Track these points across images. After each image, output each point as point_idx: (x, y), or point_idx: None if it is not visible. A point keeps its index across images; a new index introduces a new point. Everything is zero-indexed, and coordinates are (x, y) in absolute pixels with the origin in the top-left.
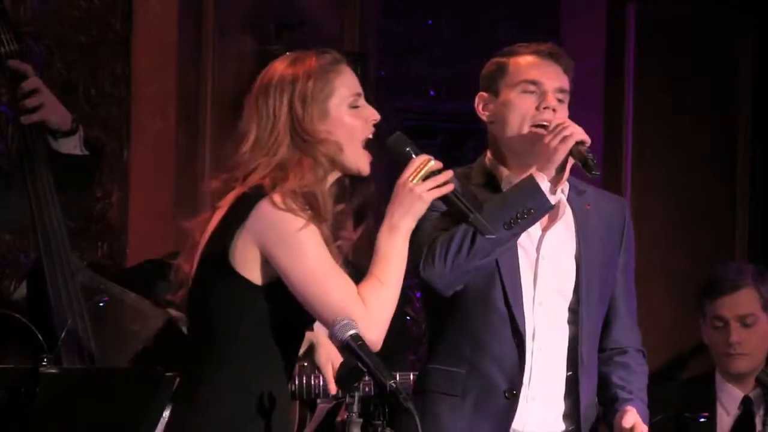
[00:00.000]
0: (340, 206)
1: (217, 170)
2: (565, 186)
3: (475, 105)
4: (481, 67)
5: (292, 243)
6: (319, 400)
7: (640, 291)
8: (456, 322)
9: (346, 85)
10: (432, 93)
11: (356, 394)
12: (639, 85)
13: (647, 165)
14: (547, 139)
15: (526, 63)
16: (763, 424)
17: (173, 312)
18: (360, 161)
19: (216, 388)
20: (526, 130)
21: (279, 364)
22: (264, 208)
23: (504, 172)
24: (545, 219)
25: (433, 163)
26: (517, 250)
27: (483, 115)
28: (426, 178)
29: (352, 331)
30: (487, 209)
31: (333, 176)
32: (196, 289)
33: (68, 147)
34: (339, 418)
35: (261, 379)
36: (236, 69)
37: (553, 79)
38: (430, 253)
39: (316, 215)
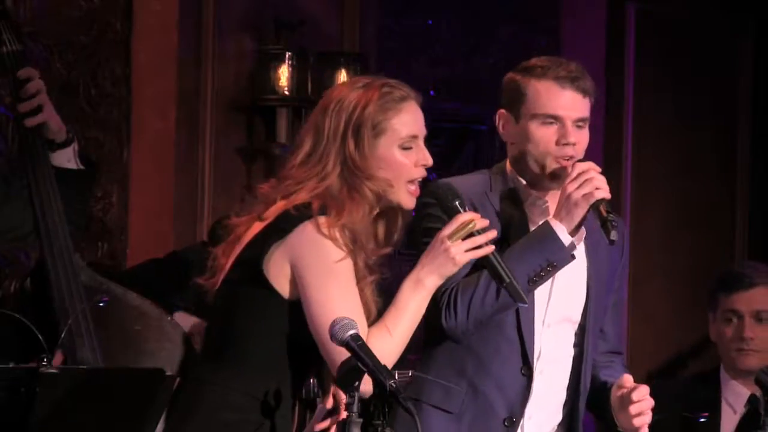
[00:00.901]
0: (387, 249)
1: (217, 170)
2: None
3: (496, 120)
4: (481, 67)
5: (324, 270)
6: (318, 400)
7: (640, 291)
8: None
9: (403, 123)
10: (432, 93)
11: (356, 394)
12: (639, 85)
13: (647, 165)
14: (569, 188)
15: (545, 92)
16: (763, 425)
17: (177, 314)
18: (404, 198)
19: (225, 392)
20: (546, 163)
21: (289, 379)
22: (308, 229)
23: (526, 188)
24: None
25: (478, 223)
26: None
27: (503, 134)
28: (466, 237)
29: (352, 331)
30: (508, 259)
31: (377, 209)
32: (224, 287)
33: (61, 160)
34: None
35: (269, 390)
36: (236, 69)
37: (573, 109)
38: (452, 305)
39: (356, 251)
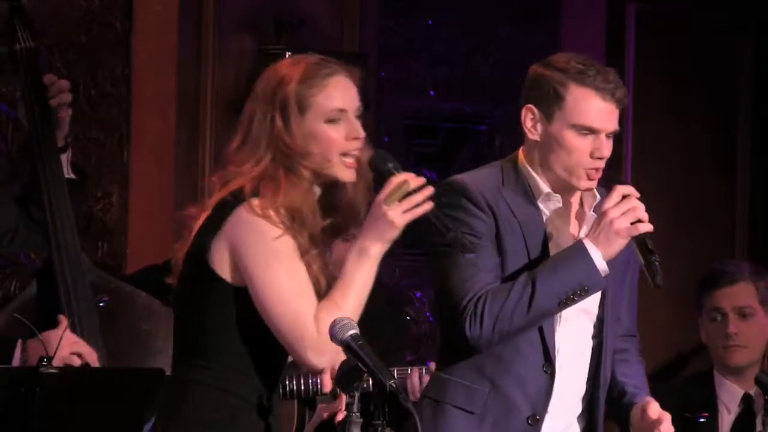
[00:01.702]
0: (329, 220)
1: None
2: (596, 199)
3: (522, 115)
4: (481, 67)
5: (263, 251)
6: (318, 399)
7: (639, 290)
8: None
9: (328, 97)
10: (432, 93)
11: (356, 394)
12: (639, 85)
13: (647, 165)
14: (611, 214)
15: (586, 103)
16: (763, 425)
17: None
18: (340, 172)
19: (200, 389)
20: (576, 173)
21: (261, 369)
22: (241, 213)
23: (540, 183)
24: (576, 232)
25: (412, 183)
26: None
27: (529, 131)
28: (403, 198)
29: (352, 331)
30: (539, 278)
31: (319, 186)
32: (180, 285)
33: None
34: (338, 418)
35: (242, 382)
36: (236, 69)
37: (610, 123)
38: (479, 315)
39: (296, 227)
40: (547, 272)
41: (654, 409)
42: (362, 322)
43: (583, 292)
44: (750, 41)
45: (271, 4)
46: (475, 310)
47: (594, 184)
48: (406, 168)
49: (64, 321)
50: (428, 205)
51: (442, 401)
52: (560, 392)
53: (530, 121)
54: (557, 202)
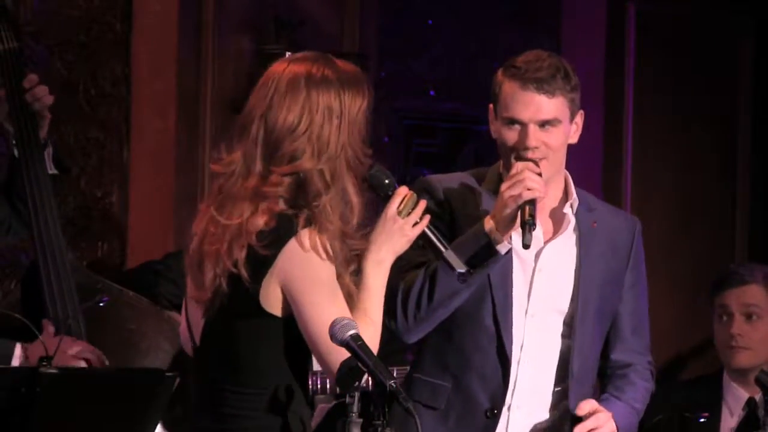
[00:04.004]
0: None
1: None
2: (574, 201)
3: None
4: (481, 67)
5: (309, 284)
6: (318, 399)
7: None
8: (442, 334)
9: None
10: (432, 93)
11: (356, 394)
12: (639, 85)
13: (647, 165)
14: (502, 188)
15: (510, 94)
16: (764, 425)
17: (173, 314)
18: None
19: (256, 416)
20: (511, 163)
21: (298, 386)
22: (294, 248)
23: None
24: (549, 231)
25: (415, 196)
26: (511, 265)
27: (492, 129)
28: (411, 211)
29: (352, 331)
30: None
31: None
32: (221, 316)
33: None
34: None
35: (291, 400)
36: (236, 69)
37: (534, 113)
38: (392, 306)
39: (339, 252)
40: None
41: (583, 407)
42: None
43: (481, 267)
44: (750, 41)
45: (271, 4)
46: (389, 303)
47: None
48: (407, 168)
49: (48, 326)
50: (427, 219)
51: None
52: (528, 387)
53: (490, 120)
54: None
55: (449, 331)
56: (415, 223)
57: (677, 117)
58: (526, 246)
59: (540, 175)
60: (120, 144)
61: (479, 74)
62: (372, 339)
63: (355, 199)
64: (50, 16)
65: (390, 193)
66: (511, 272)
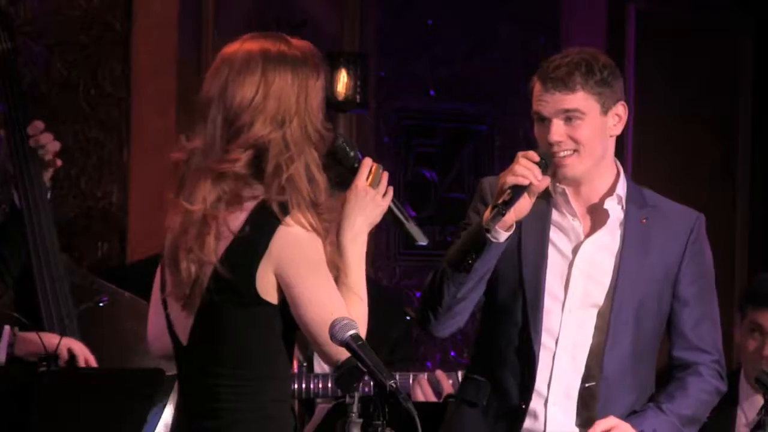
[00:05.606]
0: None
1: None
2: (620, 196)
3: None
4: (481, 67)
5: (304, 265)
6: (318, 400)
7: None
8: (484, 332)
9: None
10: (432, 93)
11: (356, 394)
12: (639, 85)
13: (647, 165)
14: (500, 176)
15: (535, 93)
16: (764, 425)
17: None
18: None
19: (260, 407)
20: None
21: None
22: (286, 234)
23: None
24: (589, 226)
25: (380, 167)
26: (545, 261)
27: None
28: (378, 182)
29: (352, 331)
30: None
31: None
32: (210, 308)
33: None
34: None
35: (286, 389)
36: None
37: (553, 106)
38: (419, 309)
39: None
40: (458, 245)
41: (596, 426)
42: (368, 327)
43: (477, 257)
44: (750, 41)
45: (271, 4)
46: (419, 307)
47: (564, 170)
48: (407, 168)
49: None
50: (391, 189)
51: (458, 398)
52: (563, 383)
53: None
54: (561, 192)
55: (488, 329)
56: (384, 194)
57: (677, 117)
58: (487, 230)
59: (540, 165)
60: (120, 144)
61: (479, 74)
62: (362, 315)
63: (318, 176)
64: (50, 16)
65: (356, 165)
66: (545, 267)
